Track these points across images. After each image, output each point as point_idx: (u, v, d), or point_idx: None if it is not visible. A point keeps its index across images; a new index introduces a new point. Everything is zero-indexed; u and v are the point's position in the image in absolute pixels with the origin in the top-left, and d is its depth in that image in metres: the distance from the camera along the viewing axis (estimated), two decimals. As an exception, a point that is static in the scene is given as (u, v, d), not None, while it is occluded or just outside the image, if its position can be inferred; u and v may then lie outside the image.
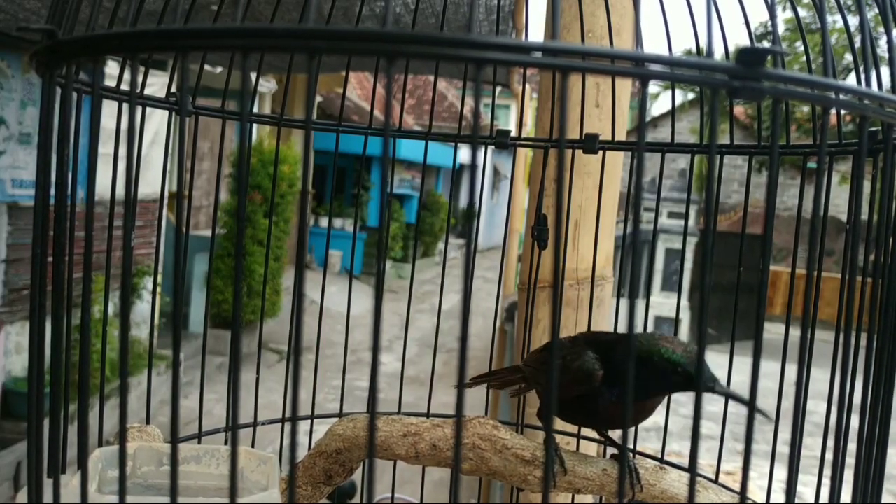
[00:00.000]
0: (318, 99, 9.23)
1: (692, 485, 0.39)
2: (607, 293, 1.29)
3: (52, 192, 0.54)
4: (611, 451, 0.93)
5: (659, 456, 0.97)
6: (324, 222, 11.53)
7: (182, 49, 0.42)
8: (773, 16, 0.49)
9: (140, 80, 0.93)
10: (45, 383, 0.55)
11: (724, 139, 1.05)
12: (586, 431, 1.06)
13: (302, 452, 0.95)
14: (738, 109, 12.28)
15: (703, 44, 0.93)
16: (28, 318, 0.55)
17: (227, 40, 0.40)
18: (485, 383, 1.02)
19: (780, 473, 0.76)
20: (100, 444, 0.82)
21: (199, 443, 0.93)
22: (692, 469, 0.39)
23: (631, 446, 1.01)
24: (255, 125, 1.45)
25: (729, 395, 0.78)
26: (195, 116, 0.99)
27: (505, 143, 1.10)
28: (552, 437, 0.80)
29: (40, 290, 0.54)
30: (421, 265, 12.65)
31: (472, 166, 0.37)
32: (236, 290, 0.40)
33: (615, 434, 0.96)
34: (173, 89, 0.94)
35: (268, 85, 7.49)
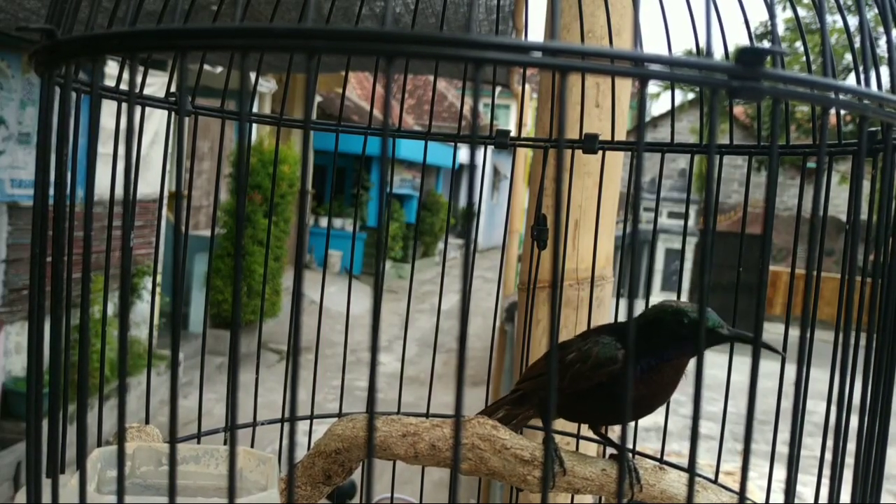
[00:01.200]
0: (318, 99, 9.22)
1: (691, 485, 0.39)
2: (607, 293, 1.29)
3: (52, 191, 0.54)
4: (610, 451, 0.93)
5: (658, 456, 0.97)
6: (324, 222, 11.53)
7: (181, 49, 0.42)
8: (772, 16, 0.49)
9: (139, 79, 0.93)
10: (44, 383, 0.55)
11: (723, 139, 1.05)
12: (586, 431, 1.06)
13: (301, 452, 0.95)
14: (738, 109, 12.28)
15: (703, 44, 0.93)
16: (28, 317, 0.55)
17: (226, 40, 0.40)
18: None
19: (780, 473, 0.76)
20: (99, 444, 0.82)
21: (198, 443, 0.93)
22: (691, 469, 0.39)
23: (630, 446, 1.01)
24: (254, 125, 1.45)
25: (737, 337, 0.82)
26: (194, 116, 0.99)
27: (505, 143, 1.10)
28: (552, 436, 0.81)
29: (39, 291, 0.54)
30: (421, 265, 12.66)
31: (471, 166, 0.37)
32: (236, 290, 0.40)
33: (614, 434, 0.95)
34: (173, 89, 0.94)
35: (268, 85, 7.49)
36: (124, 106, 0.83)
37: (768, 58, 0.40)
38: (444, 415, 1.00)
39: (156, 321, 5.60)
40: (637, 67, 0.40)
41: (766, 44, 0.45)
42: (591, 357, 0.85)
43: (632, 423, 0.97)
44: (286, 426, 1.08)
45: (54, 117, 0.53)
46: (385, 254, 0.93)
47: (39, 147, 0.54)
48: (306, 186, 0.41)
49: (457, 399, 0.36)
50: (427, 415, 1.00)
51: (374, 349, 0.36)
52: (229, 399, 0.38)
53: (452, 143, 1.16)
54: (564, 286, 1.27)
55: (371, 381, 0.36)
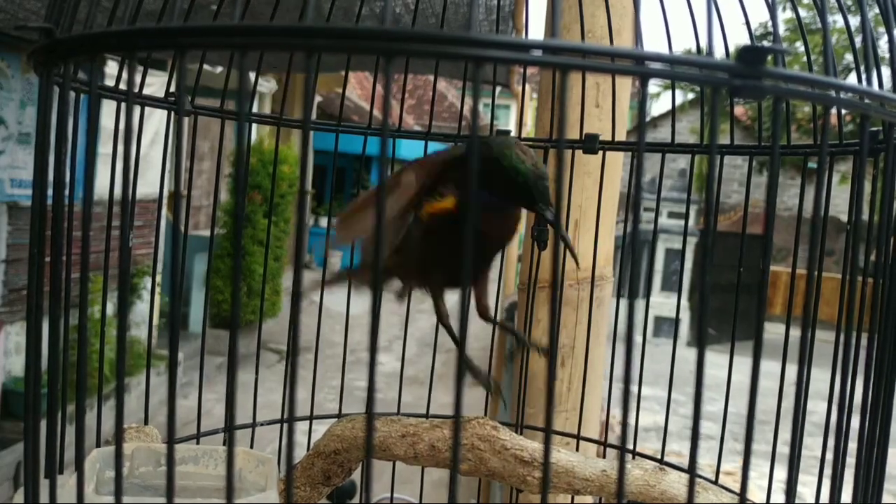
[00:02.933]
0: (318, 99, 9.21)
1: (691, 486, 0.39)
2: (607, 293, 1.29)
3: (50, 191, 0.54)
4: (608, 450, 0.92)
5: (658, 456, 0.97)
6: (323, 222, 11.51)
7: (180, 47, 0.42)
8: (773, 15, 0.49)
9: (139, 79, 0.93)
10: (42, 384, 0.54)
11: (724, 139, 1.05)
12: (586, 432, 1.06)
13: (301, 452, 0.95)
14: (740, 110, 12.28)
15: (704, 43, 0.93)
16: (26, 318, 0.55)
17: (225, 38, 0.40)
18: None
19: (780, 473, 0.76)
20: (98, 445, 0.82)
21: (197, 443, 0.93)
22: (692, 470, 0.39)
23: (630, 446, 1.00)
24: (254, 125, 1.45)
25: (558, 227, 0.75)
26: (194, 116, 0.99)
27: (504, 142, 1.10)
28: (551, 436, 0.80)
29: (37, 291, 0.54)
30: (421, 265, 12.61)
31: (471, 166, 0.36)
32: (235, 290, 0.40)
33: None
34: (172, 88, 0.93)
35: (268, 85, 7.49)
36: (123, 105, 0.83)
37: (770, 56, 0.40)
38: (443, 415, 1.00)
39: (155, 321, 5.60)
40: (638, 66, 0.40)
41: (766, 44, 0.45)
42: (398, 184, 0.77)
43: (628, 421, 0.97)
44: (285, 427, 1.08)
45: (53, 117, 0.53)
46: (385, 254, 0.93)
47: (38, 147, 0.54)
48: (305, 187, 0.40)
49: (456, 399, 0.35)
50: (427, 415, 1.00)
51: (372, 349, 0.36)
52: (228, 399, 0.38)
53: (452, 144, 1.15)
54: (564, 286, 1.27)
55: (370, 382, 0.36)
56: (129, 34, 0.43)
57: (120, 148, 0.59)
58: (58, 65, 0.52)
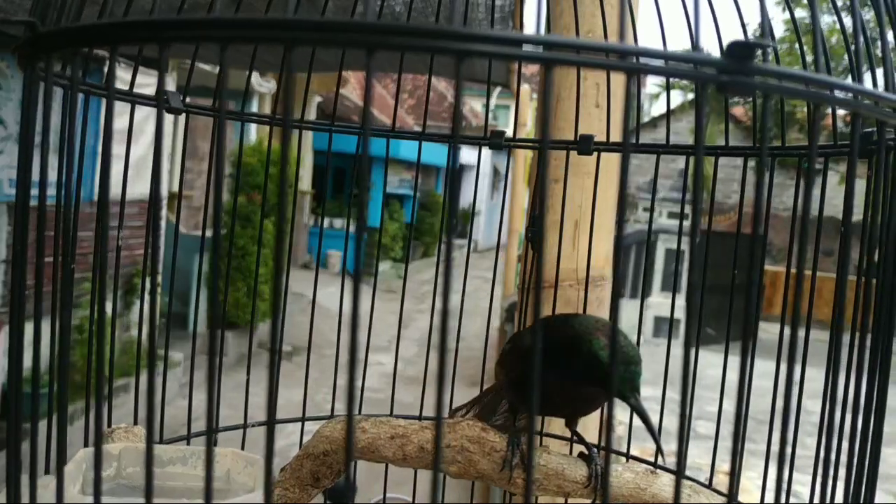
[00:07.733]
0: (319, 99, 9.20)
1: (678, 487, 0.38)
2: (607, 293, 1.28)
3: (39, 191, 0.53)
4: (578, 448, 0.91)
5: (652, 460, 0.96)
6: (324, 223, 11.50)
7: (163, 40, 0.41)
8: (763, 9, 0.48)
9: (128, 77, 0.92)
10: (23, 384, 0.54)
11: (721, 140, 1.04)
12: (584, 434, 1.05)
13: (293, 453, 0.94)
14: (741, 111, 12.23)
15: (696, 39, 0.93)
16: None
17: (206, 31, 0.40)
18: (469, 410, 1.01)
19: (776, 473, 0.75)
20: (86, 445, 0.81)
21: (188, 444, 0.92)
22: (679, 473, 0.39)
23: (625, 450, 1.00)
24: (255, 125, 1.44)
25: (640, 414, 0.76)
26: (193, 116, 0.99)
27: (499, 144, 1.10)
28: (533, 437, 0.79)
29: (20, 290, 0.53)
30: (421, 265, 12.62)
31: (450, 167, 0.36)
32: (221, 289, 0.40)
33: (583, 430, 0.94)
34: (171, 88, 0.93)
35: (267, 85, 7.48)
36: (122, 106, 0.83)
37: (759, 52, 0.39)
38: (436, 418, 0.99)
39: (155, 321, 5.58)
40: (624, 61, 0.39)
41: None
42: (518, 346, 0.86)
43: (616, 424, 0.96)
44: (283, 428, 1.07)
45: (38, 113, 0.52)
46: (381, 254, 0.92)
47: (21, 144, 0.53)
48: (286, 185, 0.40)
49: (438, 401, 0.35)
50: (420, 417, 0.99)
51: (352, 350, 0.35)
52: (210, 402, 0.38)
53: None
54: (564, 286, 1.26)
55: (350, 382, 0.35)
56: (110, 27, 0.42)
57: (117, 149, 0.58)
58: (41, 59, 0.51)
